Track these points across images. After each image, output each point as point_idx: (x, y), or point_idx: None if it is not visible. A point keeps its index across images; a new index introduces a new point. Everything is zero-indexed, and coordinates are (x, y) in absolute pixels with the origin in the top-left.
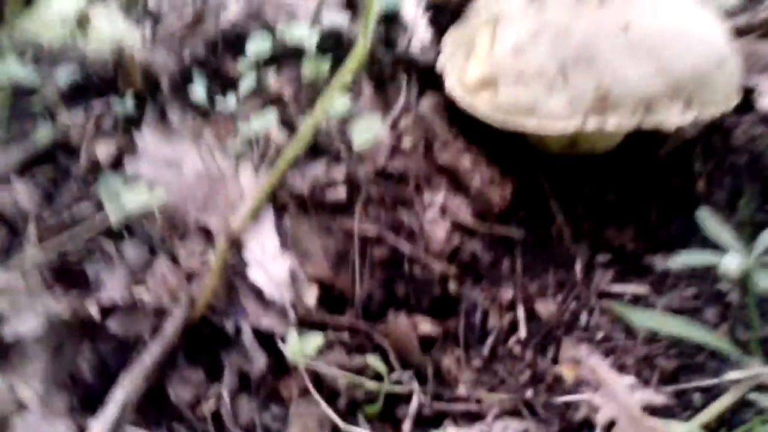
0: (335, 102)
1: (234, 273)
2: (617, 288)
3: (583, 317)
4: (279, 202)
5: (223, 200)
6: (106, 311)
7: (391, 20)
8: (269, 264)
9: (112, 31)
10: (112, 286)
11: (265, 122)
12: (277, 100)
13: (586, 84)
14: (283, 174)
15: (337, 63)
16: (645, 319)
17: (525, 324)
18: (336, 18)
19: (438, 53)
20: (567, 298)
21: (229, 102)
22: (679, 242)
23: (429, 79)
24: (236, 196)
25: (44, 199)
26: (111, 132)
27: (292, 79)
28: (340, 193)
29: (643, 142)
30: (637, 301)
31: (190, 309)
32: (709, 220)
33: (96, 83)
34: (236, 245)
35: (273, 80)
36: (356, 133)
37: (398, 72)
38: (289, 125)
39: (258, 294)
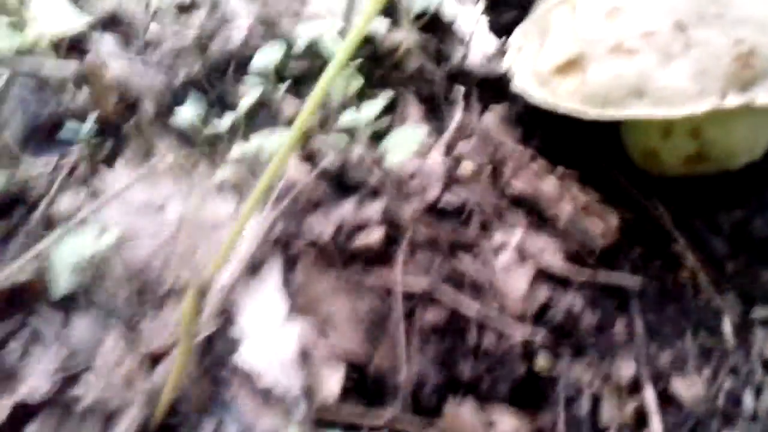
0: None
1: (219, 351)
2: None
3: (748, 399)
4: (291, 251)
5: (213, 253)
6: (26, 413)
7: (441, 29)
8: (271, 337)
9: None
10: (38, 376)
11: (272, 146)
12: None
13: (717, 42)
14: (275, 177)
15: (367, 79)
16: None
17: (658, 414)
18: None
19: (503, 62)
20: (718, 373)
21: (223, 124)
22: None
23: (493, 94)
24: (244, 250)
25: None
26: (79, 172)
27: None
28: (374, 236)
29: None
30: None
31: (151, 407)
32: None
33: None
34: (225, 312)
35: (288, 100)
36: (391, 146)
37: (454, 90)
38: (310, 157)
39: (252, 382)
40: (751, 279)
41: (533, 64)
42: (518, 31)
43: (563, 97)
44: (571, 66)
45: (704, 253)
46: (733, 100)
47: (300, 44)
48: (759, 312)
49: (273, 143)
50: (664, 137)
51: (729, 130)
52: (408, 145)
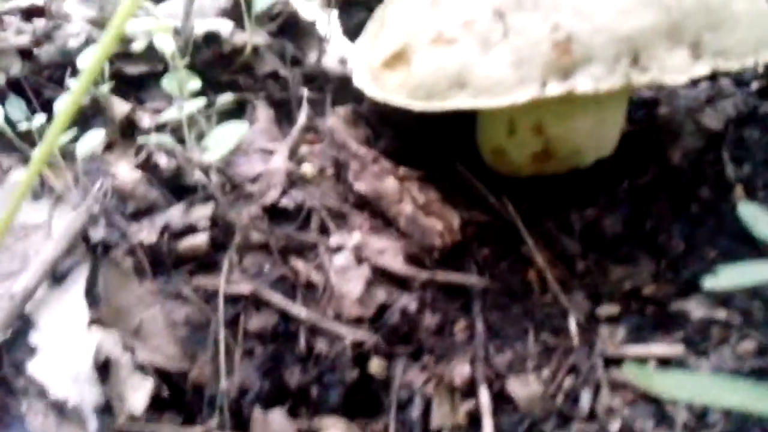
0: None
1: (16, 359)
2: (634, 350)
3: (585, 398)
4: (107, 257)
5: (20, 260)
6: None
7: (299, 32)
8: (68, 348)
9: None
10: None
11: (93, 142)
12: (124, 135)
13: (536, 28)
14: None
15: (215, 83)
16: (686, 391)
17: (490, 416)
18: (213, 24)
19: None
20: (558, 372)
21: (35, 123)
22: None
23: (348, 97)
24: (47, 254)
25: None
26: None
27: (153, 98)
28: (199, 240)
29: (649, 145)
30: (666, 366)
31: None
32: (757, 218)
33: None
34: (24, 317)
35: (119, 103)
36: (212, 143)
37: (309, 94)
38: (146, 166)
39: (45, 394)
40: (600, 277)
41: (368, 60)
42: (366, 30)
43: (392, 90)
44: (397, 59)
45: (554, 252)
46: (554, 89)
47: (135, 46)
48: (605, 309)
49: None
50: (509, 135)
51: (572, 126)
52: (228, 140)
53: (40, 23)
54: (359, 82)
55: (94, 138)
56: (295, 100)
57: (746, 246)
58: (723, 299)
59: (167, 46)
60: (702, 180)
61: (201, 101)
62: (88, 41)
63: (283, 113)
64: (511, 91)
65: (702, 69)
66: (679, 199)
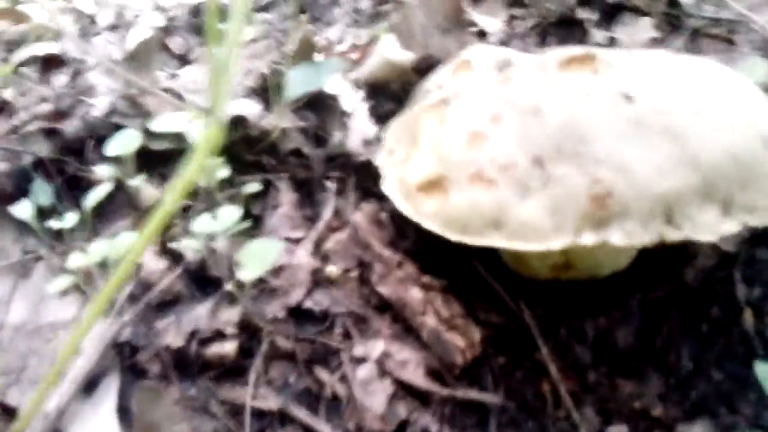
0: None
1: None
2: None
3: None
4: (135, 361)
5: (49, 363)
6: None
7: (323, 106)
8: None
9: None
10: None
11: (123, 244)
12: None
13: (575, 180)
14: (107, 302)
15: (238, 163)
16: None
17: None
18: (241, 107)
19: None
20: None
21: (67, 221)
22: (725, 399)
23: (371, 182)
24: (79, 371)
25: None
26: None
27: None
28: (227, 348)
29: (665, 260)
30: None
31: None
32: None
33: None
34: None
35: (145, 186)
36: (246, 259)
37: (332, 174)
38: (171, 252)
39: None
40: (611, 391)
41: (401, 174)
42: (391, 130)
43: (426, 216)
44: (434, 186)
45: (567, 361)
46: (588, 239)
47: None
48: (614, 429)
49: (118, 249)
50: None
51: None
52: (264, 260)
53: (60, 82)
54: (390, 193)
55: (126, 241)
56: (318, 180)
57: (752, 373)
58: (726, 426)
59: (197, 134)
60: (713, 299)
61: (235, 214)
62: (111, 113)
63: (305, 192)
64: (546, 238)
65: (731, 226)
66: (689, 316)
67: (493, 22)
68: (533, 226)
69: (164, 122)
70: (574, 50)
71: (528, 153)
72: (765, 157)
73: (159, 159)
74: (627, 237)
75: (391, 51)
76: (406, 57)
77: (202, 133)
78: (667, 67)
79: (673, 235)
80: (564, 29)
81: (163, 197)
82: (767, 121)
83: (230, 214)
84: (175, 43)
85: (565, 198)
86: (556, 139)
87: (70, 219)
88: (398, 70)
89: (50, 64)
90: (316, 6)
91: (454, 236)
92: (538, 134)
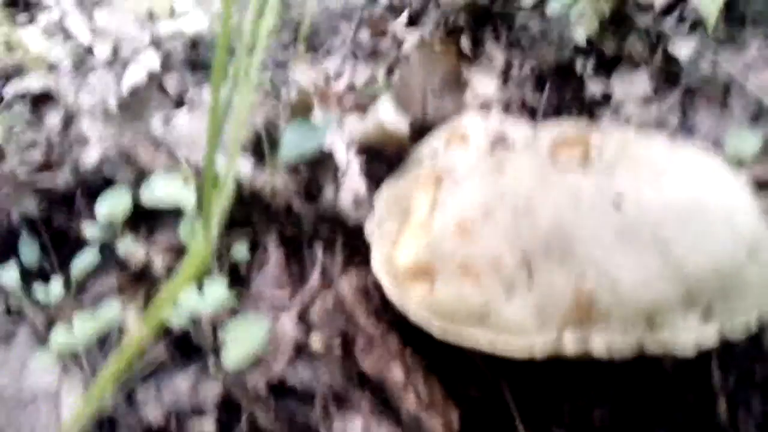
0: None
1: None
2: None
3: None
4: None
5: None
6: None
7: (316, 161)
8: None
9: None
10: None
11: (110, 316)
12: (138, 279)
13: (560, 284)
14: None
15: (234, 224)
16: None
17: None
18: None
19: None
20: None
21: (52, 289)
22: None
23: (360, 244)
24: (51, 429)
25: None
26: None
27: (168, 248)
28: (206, 427)
29: None
30: None
31: None
32: None
33: None
34: None
35: (137, 250)
36: (231, 343)
37: (321, 232)
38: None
39: None
40: None
41: (389, 253)
42: (382, 198)
43: (413, 302)
44: (422, 272)
45: None
46: (569, 341)
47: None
48: None
49: (102, 322)
50: None
51: None
52: (249, 344)
53: (52, 122)
54: (378, 273)
55: (110, 312)
56: (307, 239)
57: None
58: None
59: (187, 199)
60: (689, 387)
61: (221, 288)
62: (103, 163)
63: (293, 249)
64: (528, 337)
65: (711, 331)
66: (665, 403)
67: (489, 83)
68: (517, 326)
69: (156, 187)
70: (568, 131)
71: (516, 249)
72: (748, 267)
73: (149, 214)
74: (607, 342)
75: (388, 116)
76: (402, 126)
77: (190, 250)
78: (656, 163)
79: (653, 343)
80: (561, 78)
81: (151, 260)
82: (753, 229)
83: (216, 292)
84: (171, 81)
85: (550, 299)
86: (545, 240)
87: (55, 287)
88: (394, 138)
89: (43, 100)
90: (316, 35)
91: (437, 327)
92: (527, 234)
